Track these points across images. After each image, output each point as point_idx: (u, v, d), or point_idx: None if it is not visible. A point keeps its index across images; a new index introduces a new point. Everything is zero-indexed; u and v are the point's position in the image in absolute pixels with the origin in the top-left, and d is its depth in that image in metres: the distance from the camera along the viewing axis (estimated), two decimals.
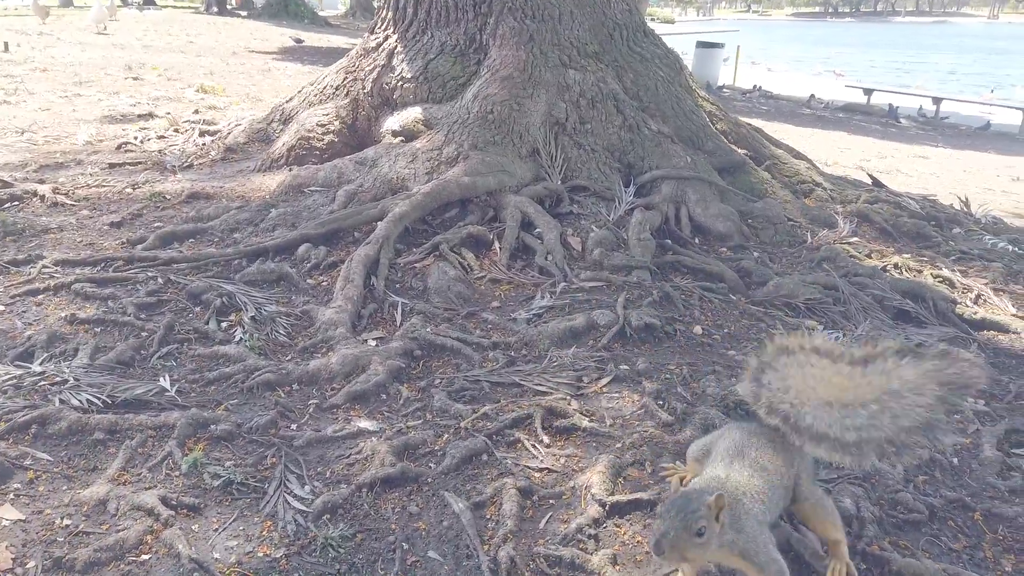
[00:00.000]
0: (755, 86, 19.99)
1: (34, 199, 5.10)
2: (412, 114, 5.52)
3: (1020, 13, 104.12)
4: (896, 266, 4.84)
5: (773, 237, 5.15)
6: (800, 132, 12.95)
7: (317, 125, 5.89)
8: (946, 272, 4.77)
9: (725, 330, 3.91)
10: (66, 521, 2.38)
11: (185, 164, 6.15)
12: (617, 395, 3.24)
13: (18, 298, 3.77)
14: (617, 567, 2.28)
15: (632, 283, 4.18)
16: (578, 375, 3.36)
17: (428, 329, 3.65)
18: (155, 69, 11.79)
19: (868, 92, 18.78)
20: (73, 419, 2.80)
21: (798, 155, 6.61)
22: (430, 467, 2.73)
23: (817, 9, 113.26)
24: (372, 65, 5.90)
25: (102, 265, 4.16)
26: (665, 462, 2.75)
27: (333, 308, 3.74)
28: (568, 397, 3.17)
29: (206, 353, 3.41)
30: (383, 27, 6.06)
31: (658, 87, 5.74)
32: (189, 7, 29.74)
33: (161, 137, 7.06)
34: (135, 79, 10.77)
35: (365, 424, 2.97)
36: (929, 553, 2.42)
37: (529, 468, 2.75)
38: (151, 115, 8.09)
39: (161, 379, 3.16)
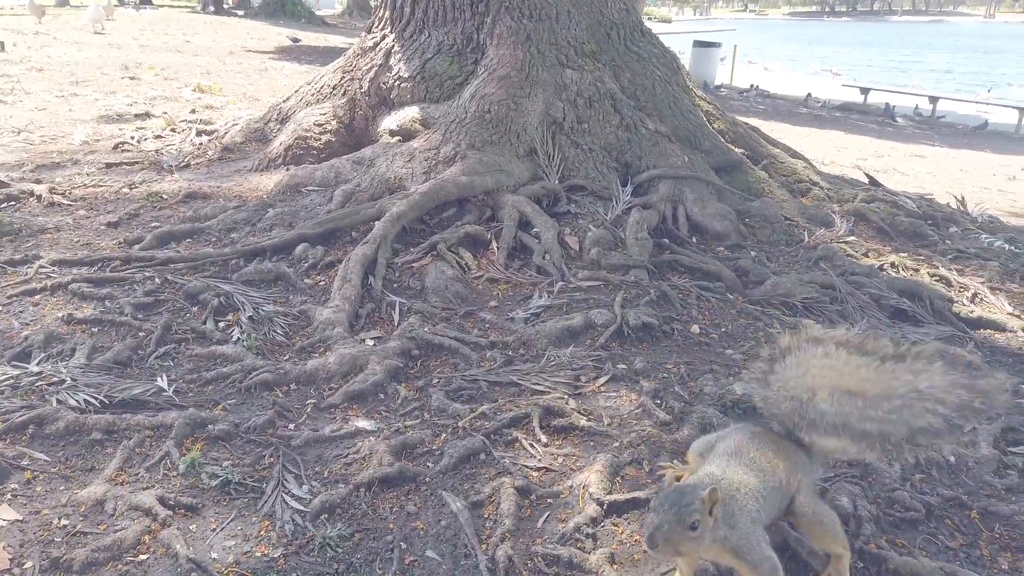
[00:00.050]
0: (752, 85, 20.01)
1: (31, 199, 5.09)
2: (409, 114, 5.52)
3: (1016, 12, 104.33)
4: (893, 265, 4.85)
5: (770, 236, 5.16)
6: (797, 131, 12.96)
7: (314, 125, 5.89)
8: (943, 271, 4.78)
9: (722, 329, 3.92)
10: (64, 521, 2.38)
11: (182, 164, 6.13)
12: (615, 394, 3.24)
13: (15, 298, 3.76)
14: (615, 566, 2.28)
15: (629, 282, 4.19)
16: (576, 374, 3.36)
17: (426, 329, 3.65)
18: (152, 69, 11.77)
19: (865, 91, 18.81)
20: (70, 419, 2.80)
21: (795, 154, 6.62)
22: (428, 467, 2.74)
23: (814, 8, 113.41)
24: (369, 64, 5.90)
25: (99, 265, 4.15)
26: (663, 461, 2.75)
27: (331, 308, 3.74)
28: (566, 396, 3.17)
29: (204, 353, 3.40)
30: (380, 26, 6.05)
31: (655, 86, 5.74)
32: (186, 6, 29.69)
33: (158, 137, 7.05)
34: (132, 79, 10.74)
35: (363, 424, 2.97)
36: (926, 551, 2.43)
37: (527, 467, 2.75)
38: (148, 115, 8.07)
39: (158, 379, 3.16)
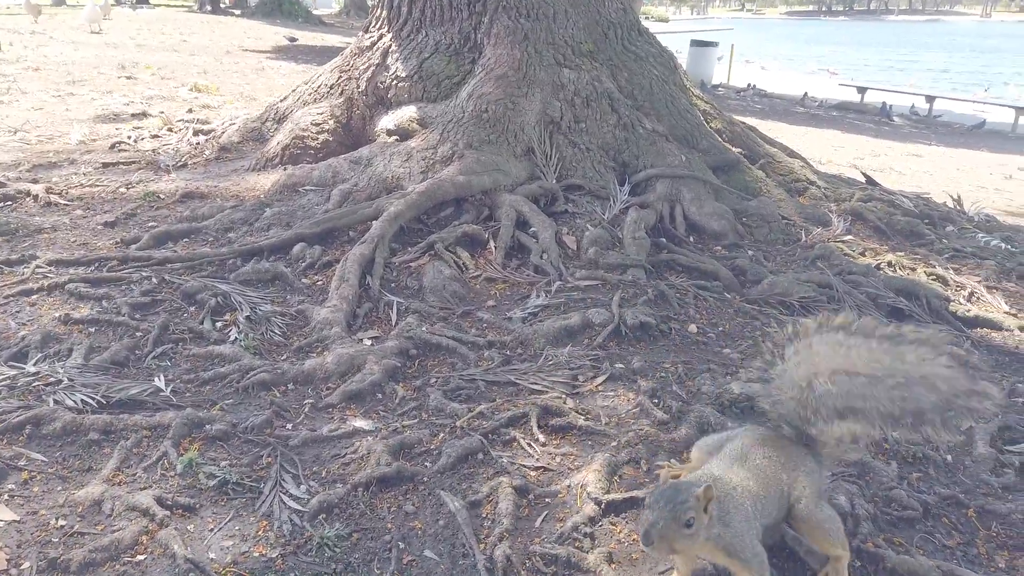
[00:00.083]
0: (749, 84, 20.04)
1: (27, 199, 5.08)
2: (407, 113, 5.51)
3: (1013, 12, 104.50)
4: (890, 264, 4.86)
5: (767, 235, 5.17)
6: (794, 130, 12.98)
7: (312, 124, 5.88)
8: (939, 270, 4.79)
9: (720, 328, 3.92)
10: (61, 522, 2.38)
11: (179, 163, 6.12)
12: (612, 393, 3.24)
13: (12, 298, 3.75)
14: (613, 565, 2.29)
15: (627, 282, 4.19)
16: (573, 374, 3.36)
17: (423, 328, 3.65)
18: (148, 68, 11.75)
19: (862, 90, 18.86)
20: (68, 419, 2.80)
21: (792, 153, 6.63)
22: (426, 466, 2.74)
23: (811, 8, 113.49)
24: (367, 64, 5.89)
25: (96, 265, 4.14)
26: (660, 460, 2.76)
27: (328, 307, 3.74)
28: (564, 396, 3.18)
29: (201, 353, 3.40)
30: (377, 26, 6.05)
31: (652, 86, 5.75)
32: (182, 6, 29.63)
33: (155, 136, 7.04)
34: (128, 78, 10.72)
35: (361, 423, 2.97)
36: (923, 550, 2.43)
37: (525, 467, 2.75)
38: (145, 114, 8.06)
39: (156, 379, 3.15)
